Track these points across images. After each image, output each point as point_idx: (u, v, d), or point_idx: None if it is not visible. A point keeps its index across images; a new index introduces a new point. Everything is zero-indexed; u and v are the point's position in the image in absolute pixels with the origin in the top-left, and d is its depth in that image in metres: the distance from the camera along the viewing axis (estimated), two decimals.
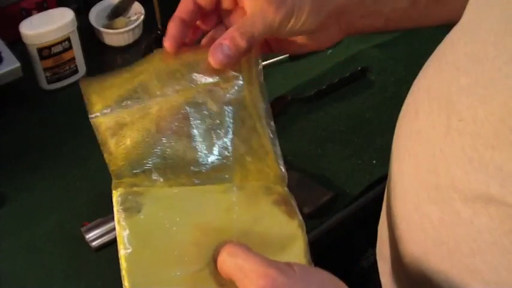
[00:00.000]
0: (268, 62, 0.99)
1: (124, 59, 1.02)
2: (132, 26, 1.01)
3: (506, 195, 0.36)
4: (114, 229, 0.75)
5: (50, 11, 0.92)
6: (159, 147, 0.46)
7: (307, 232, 0.79)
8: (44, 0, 0.98)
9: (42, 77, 0.93)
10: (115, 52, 1.03)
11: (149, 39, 0.80)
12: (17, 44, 0.90)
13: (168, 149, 0.46)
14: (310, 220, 0.78)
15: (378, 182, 0.82)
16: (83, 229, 0.74)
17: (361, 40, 1.03)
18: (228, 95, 0.49)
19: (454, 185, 0.40)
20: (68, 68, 0.94)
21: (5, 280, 0.71)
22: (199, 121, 0.48)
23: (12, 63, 0.87)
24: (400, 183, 0.49)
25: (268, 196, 0.48)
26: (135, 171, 0.45)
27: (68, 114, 0.91)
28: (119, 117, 0.47)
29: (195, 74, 0.49)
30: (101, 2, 1.04)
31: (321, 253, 0.90)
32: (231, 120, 0.48)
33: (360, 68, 0.97)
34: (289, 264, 0.40)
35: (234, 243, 0.42)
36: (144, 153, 0.46)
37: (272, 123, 0.51)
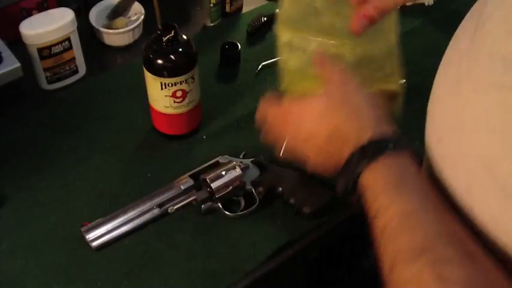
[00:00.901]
0: (268, 62, 0.99)
1: (124, 59, 1.03)
2: (132, 26, 1.01)
3: (506, 78, 0.44)
4: (114, 229, 0.75)
5: (50, 11, 0.92)
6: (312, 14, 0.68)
7: (307, 233, 0.79)
8: (44, 0, 0.98)
9: (42, 77, 0.93)
10: (115, 52, 1.03)
11: (149, 39, 0.80)
12: (17, 44, 0.90)
13: (318, 18, 0.68)
14: (310, 220, 0.78)
15: None
16: (83, 229, 0.74)
17: None
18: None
19: (468, 76, 0.49)
20: (68, 68, 0.94)
21: (5, 280, 0.71)
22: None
23: (12, 63, 0.87)
24: (433, 93, 0.59)
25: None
26: (292, 27, 0.68)
27: (68, 114, 0.91)
28: None
29: None
30: (101, 2, 1.04)
31: (322, 253, 0.90)
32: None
33: None
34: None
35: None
36: (301, 13, 0.68)
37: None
